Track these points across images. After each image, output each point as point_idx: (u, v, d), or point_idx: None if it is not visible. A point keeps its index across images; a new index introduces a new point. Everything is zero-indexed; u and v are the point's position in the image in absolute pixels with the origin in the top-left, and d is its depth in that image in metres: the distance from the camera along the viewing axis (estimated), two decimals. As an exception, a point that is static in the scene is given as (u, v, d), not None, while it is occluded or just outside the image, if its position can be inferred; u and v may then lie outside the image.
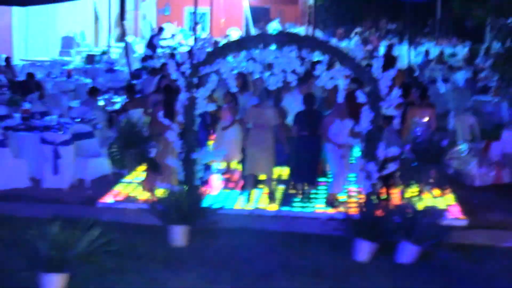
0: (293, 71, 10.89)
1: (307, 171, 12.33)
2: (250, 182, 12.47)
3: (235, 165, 13.91)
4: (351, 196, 12.61)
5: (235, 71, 11.82)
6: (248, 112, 12.33)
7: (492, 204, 12.83)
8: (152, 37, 30.33)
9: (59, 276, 7.91)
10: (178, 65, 11.08)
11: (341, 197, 12.40)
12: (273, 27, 40.02)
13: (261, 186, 12.62)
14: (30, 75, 18.50)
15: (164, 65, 17.41)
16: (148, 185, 12.19)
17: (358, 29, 41.21)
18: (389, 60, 19.38)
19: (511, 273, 9.44)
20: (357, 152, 12.44)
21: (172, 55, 26.43)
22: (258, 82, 13.47)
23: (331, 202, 12.11)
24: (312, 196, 12.54)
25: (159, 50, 29.60)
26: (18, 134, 13.39)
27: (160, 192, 11.19)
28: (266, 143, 12.12)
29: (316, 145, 12.24)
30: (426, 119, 12.76)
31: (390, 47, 27.72)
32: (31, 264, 8.03)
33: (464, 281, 9.19)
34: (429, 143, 11.82)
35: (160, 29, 31.73)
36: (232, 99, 13.33)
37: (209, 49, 11.04)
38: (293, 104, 13.06)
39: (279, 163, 12.98)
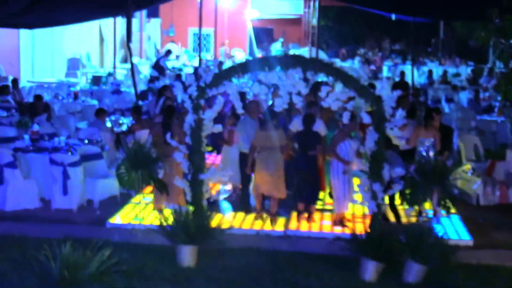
0: (298, 93, 11.06)
1: (306, 190, 12.49)
2: (259, 201, 12.60)
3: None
4: (357, 216, 12.75)
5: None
6: (255, 137, 12.41)
7: (497, 223, 12.90)
8: (159, 59, 30.53)
9: (71, 296, 8.04)
10: (185, 87, 11.21)
11: (348, 216, 12.53)
12: (277, 48, 40.29)
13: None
14: (38, 97, 18.64)
15: (166, 86, 17.52)
16: (156, 205, 12.34)
17: (361, 50, 41.40)
18: (401, 86, 19.77)
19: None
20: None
21: (178, 76, 26.65)
22: (253, 104, 13.36)
23: (339, 221, 12.23)
24: (315, 215, 12.65)
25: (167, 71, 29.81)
26: (28, 155, 13.51)
27: (168, 213, 11.29)
28: (276, 165, 12.26)
29: (314, 164, 12.41)
30: (431, 139, 12.87)
31: (402, 74, 28.07)
32: (43, 284, 8.15)
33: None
34: (434, 163, 11.90)
35: (168, 52, 31.95)
36: (236, 122, 13.44)
37: (213, 70, 11.16)
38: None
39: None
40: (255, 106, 13.04)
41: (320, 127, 13.02)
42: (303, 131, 12.50)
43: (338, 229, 11.96)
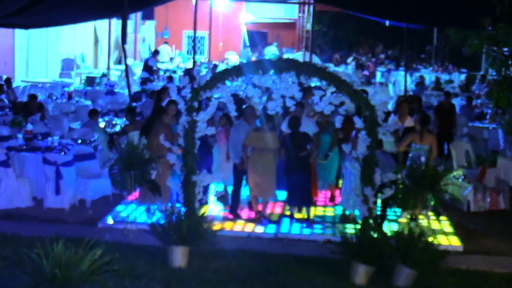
0: (292, 97, 11.11)
1: (298, 192, 12.54)
2: (255, 204, 12.66)
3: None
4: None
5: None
6: (248, 136, 12.49)
7: (487, 230, 12.99)
8: (147, 60, 30.50)
9: (62, 294, 8.06)
10: (179, 89, 11.26)
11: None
12: (271, 51, 40.36)
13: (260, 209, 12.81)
14: (32, 97, 18.65)
15: (164, 88, 17.57)
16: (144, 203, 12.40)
17: (354, 55, 41.46)
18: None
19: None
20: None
21: (170, 78, 26.68)
22: (249, 110, 13.41)
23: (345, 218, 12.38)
24: (311, 216, 12.72)
25: (161, 73, 29.80)
26: (21, 154, 13.55)
27: (160, 213, 11.32)
28: (267, 167, 12.33)
29: (306, 166, 12.46)
30: (427, 145, 12.95)
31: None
32: (35, 282, 8.15)
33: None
34: (425, 169, 11.96)
35: (156, 52, 31.93)
36: (227, 122, 13.48)
37: (204, 73, 11.22)
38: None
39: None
40: (252, 111, 13.03)
41: (309, 127, 13.09)
42: (290, 133, 12.55)
43: (329, 233, 12.03)
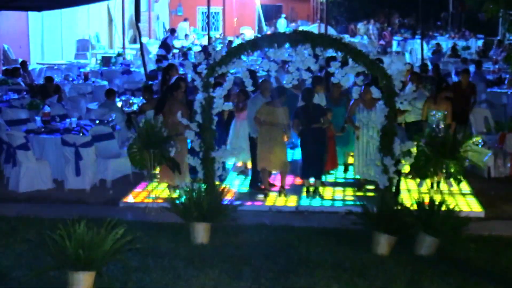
0: (308, 69, 11.06)
1: (312, 164, 12.54)
2: (264, 177, 12.64)
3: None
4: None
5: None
6: (259, 109, 12.44)
7: (508, 195, 12.91)
8: (166, 38, 30.53)
9: (86, 274, 8.10)
10: (195, 65, 11.24)
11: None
12: (282, 24, 40.20)
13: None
14: (49, 79, 18.68)
15: (171, 65, 17.48)
16: (169, 182, 12.43)
17: (360, 24, 41.11)
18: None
19: (528, 262, 9.54)
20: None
21: (184, 55, 26.66)
22: (265, 83, 13.34)
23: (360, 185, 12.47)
24: (321, 190, 12.71)
25: (175, 51, 29.81)
26: (40, 137, 13.62)
27: (180, 191, 11.35)
28: (276, 141, 12.29)
29: (320, 138, 12.43)
30: (441, 110, 12.89)
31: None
32: (59, 263, 8.24)
33: (483, 271, 9.31)
34: (445, 136, 11.92)
35: (173, 30, 31.96)
36: (245, 98, 13.43)
37: (219, 48, 11.18)
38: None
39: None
40: (267, 84, 12.99)
41: (320, 100, 13.10)
42: (304, 106, 12.49)
43: (350, 203, 12.04)
